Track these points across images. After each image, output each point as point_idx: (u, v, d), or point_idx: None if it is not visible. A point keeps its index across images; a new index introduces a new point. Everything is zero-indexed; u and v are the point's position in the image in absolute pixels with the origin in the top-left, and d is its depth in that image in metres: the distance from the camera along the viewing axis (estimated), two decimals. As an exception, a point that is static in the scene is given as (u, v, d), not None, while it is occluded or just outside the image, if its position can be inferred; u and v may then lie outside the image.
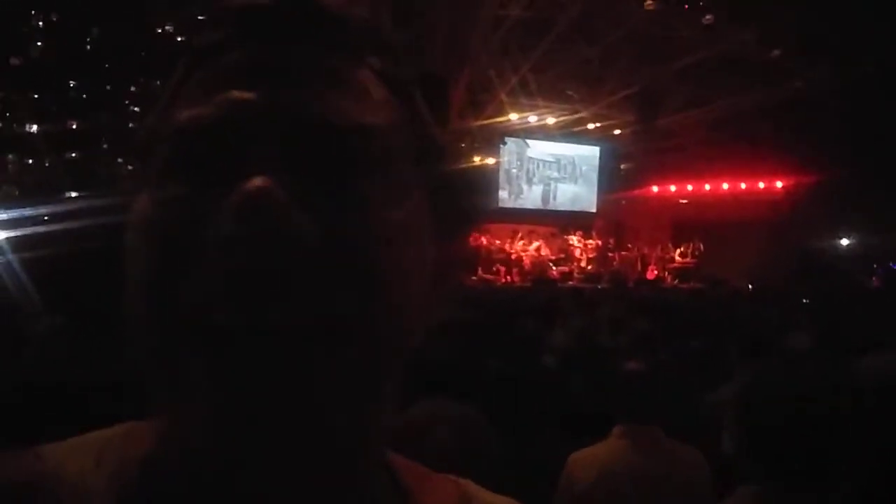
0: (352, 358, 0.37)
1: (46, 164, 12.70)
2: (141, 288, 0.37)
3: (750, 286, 11.06)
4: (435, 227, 0.44)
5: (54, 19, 12.90)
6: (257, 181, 0.35)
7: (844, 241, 16.62)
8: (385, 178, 0.39)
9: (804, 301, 7.64)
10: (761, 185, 15.39)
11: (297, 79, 0.38)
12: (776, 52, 11.53)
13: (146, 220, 0.38)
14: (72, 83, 13.02)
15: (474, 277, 11.89)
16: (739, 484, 1.74)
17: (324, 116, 0.38)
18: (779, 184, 15.23)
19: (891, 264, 17.48)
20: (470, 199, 0.49)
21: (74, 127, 12.54)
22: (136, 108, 12.61)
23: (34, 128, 12.73)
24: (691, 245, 14.83)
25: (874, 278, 13.21)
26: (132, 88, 12.84)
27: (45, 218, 6.78)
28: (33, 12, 12.79)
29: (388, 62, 0.43)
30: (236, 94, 0.38)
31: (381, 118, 0.40)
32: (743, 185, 15.52)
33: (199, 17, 0.43)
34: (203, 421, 0.36)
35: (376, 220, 0.38)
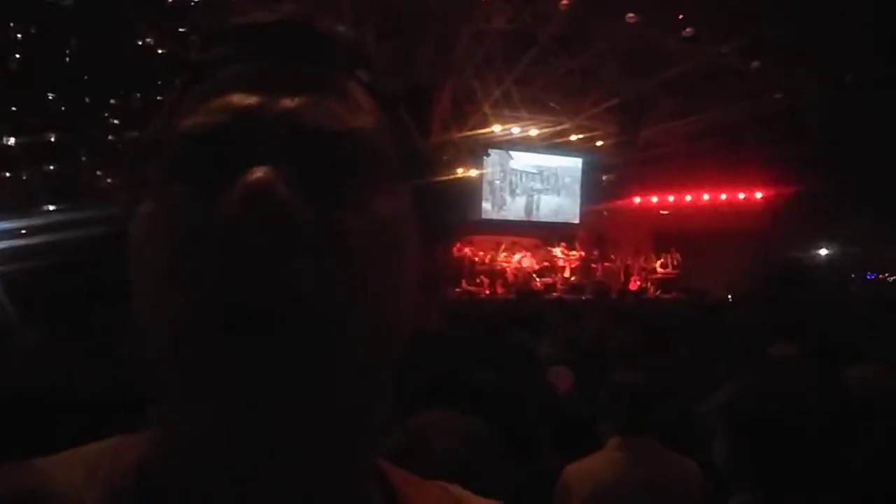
0: (343, 351, 0.38)
1: (24, 177, 12.54)
2: (150, 285, 0.39)
3: (730, 297, 11.16)
4: (420, 236, 0.46)
5: (32, 31, 12.79)
6: (260, 171, 0.37)
7: (823, 252, 16.85)
8: (375, 180, 0.42)
9: (786, 311, 7.70)
10: (741, 195, 15.56)
11: (292, 88, 0.42)
12: (756, 64, 11.68)
13: (153, 220, 0.41)
14: (50, 96, 12.90)
15: (458, 289, 11.89)
16: (734, 494, 1.75)
17: (318, 120, 0.41)
18: (758, 195, 15.41)
19: (868, 274, 17.75)
20: (452, 210, 0.51)
21: (53, 139, 12.42)
22: (115, 121, 12.52)
23: (11, 140, 12.58)
24: (670, 256, 14.94)
25: (852, 288, 13.40)
26: (111, 101, 12.75)
27: (23, 231, 6.70)
28: (11, 24, 12.67)
29: (375, 76, 0.46)
30: (237, 100, 0.41)
31: (366, 122, 0.43)
32: (723, 196, 15.68)
33: (199, 35, 0.44)
34: (207, 416, 0.37)
35: (367, 218, 0.40)
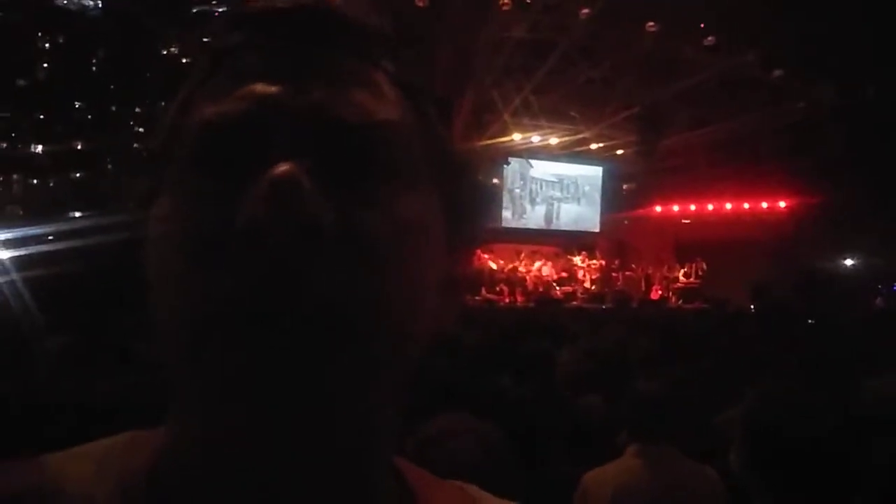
0: (362, 353, 0.37)
1: (51, 184, 12.75)
2: (169, 284, 0.38)
3: (753, 307, 11.02)
4: (446, 236, 0.44)
5: (60, 41, 13.02)
6: (285, 167, 0.36)
7: (848, 262, 16.60)
8: (400, 175, 0.40)
9: (809, 322, 7.60)
10: (764, 205, 15.39)
11: (315, 77, 0.40)
12: (778, 73, 11.58)
13: (171, 215, 0.39)
14: (77, 104, 13.11)
15: (478, 297, 11.87)
16: (751, 502, 1.74)
17: (344, 112, 0.39)
18: (782, 204, 15.23)
19: (894, 286, 17.44)
20: (479, 214, 0.49)
21: (79, 147, 12.61)
22: (140, 129, 12.69)
23: (39, 148, 12.80)
24: (694, 265, 14.79)
25: (879, 299, 13.18)
26: (137, 109, 12.93)
27: (50, 237, 6.80)
28: (39, 34, 12.92)
29: (402, 67, 0.44)
30: (259, 89, 0.39)
31: (394, 115, 0.41)
32: (746, 206, 15.53)
33: (219, 20, 0.44)
34: (226, 419, 0.36)
35: (391, 215, 0.39)
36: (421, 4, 9.36)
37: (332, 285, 0.36)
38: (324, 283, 0.36)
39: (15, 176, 12.89)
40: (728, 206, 15.64)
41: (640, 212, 16.17)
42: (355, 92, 0.40)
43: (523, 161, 15.21)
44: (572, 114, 13.97)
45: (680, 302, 14.21)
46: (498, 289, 13.37)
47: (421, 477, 0.50)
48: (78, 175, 12.68)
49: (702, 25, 11.09)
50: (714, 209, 15.78)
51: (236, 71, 0.40)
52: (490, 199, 0.51)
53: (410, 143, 0.42)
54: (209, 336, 0.36)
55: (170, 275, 0.38)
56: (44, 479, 0.41)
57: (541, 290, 13.52)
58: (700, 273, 14.67)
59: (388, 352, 0.39)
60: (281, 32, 0.41)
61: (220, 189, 0.37)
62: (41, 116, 12.95)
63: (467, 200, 0.47)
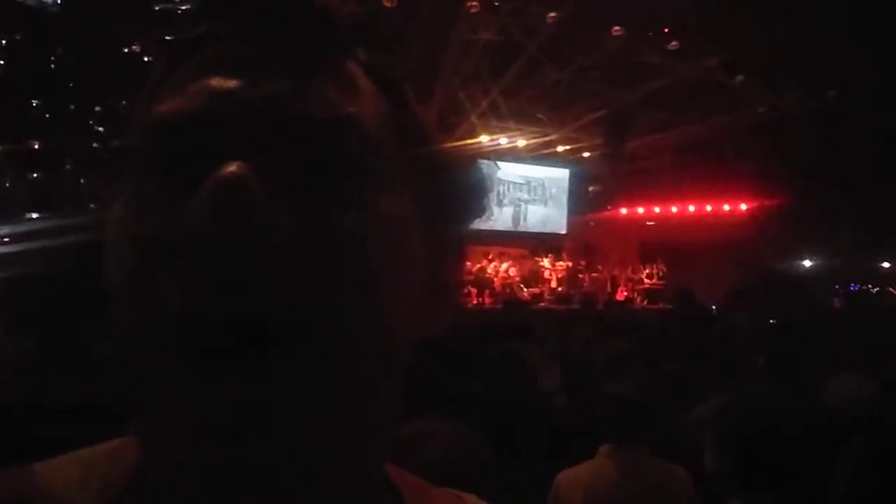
0: (336, 362, 0.35)
1: (7, 184, 12.43)
2: (122, 289, 0.35)
3: (714, 307, 11.21)
4: (426, 230, 0.42)
5: (17, 37, 12.71)
6: (231, 168, 0.33)
7: (807, 263, 17.00)
8: (370, 172, 0.37)
9: (770, 322, 7.75)
10: (726, 207, 15.70)
11: (278, 69, 0.37)
12: (740, 78, 11.82)
13: (124, 217, 0.37)
14: (34, 102, 12.81)
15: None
16: (723, 501, 1.76)
17: (309, 106, 0.36)
18: (743, 206, 15.55)
19: (852, 286, 17.92)
20: (463, 210, 0.46)
21: (37, 147, 12.32)
22: (100, 128, 12.45)
23: (-5, 147, 12.48)
24: (656, 266, 15.02)
25: (836, 299, 13.51)
26: (96, 108, 12.68)
27: (6, 238, 6.64)
28: (-4, 31, 12.60)
29: (376, 56, 0.42)
30: (214, 83, 0.36)
31: (365, 109, 0.38)
32: (708, 208, 15.82)
33: (183, 13, 0.41)
34: (186, 431, 0.33)
35: (361, 214, 0.36)
36: (389, 4, 9.33)
37: (285, 289, 0.33)
38: (274, 288, 0.33)
39: (-30, 176, 12.54)
40: (691, 208, 15.91)
41: (606, 214, 16.35)
42: (322, 84, 0.37)
43: (490, 163, 15.24)
44: (539, 116, 14.08)
45: (645, 302, 14.40)
46: (466, 290, 13.38)
47: (414, 485, 0.48)
48: (35, 175, 12.40)
49: (666, 31, 11.27)
50: (678, 211, 16.04)
51: (196, 64, 0.38)
52: (477, 197, 0.48)
53: (383, 138, 0.39)
54: (153, 356, 0.34)
55: (123, 280, 0.35)
56: (30, 488, 0.40)
57: (508, 291, 13.57)
58: (661, 274, 14.89)
59: (362, 357, 0.36)
60: (246, 22, 0.38)
61: (171, 191, 0.35)
62: (-3, 115, 12.63)
63: (450, 199, 0.45)
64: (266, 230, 0.33)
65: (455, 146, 0.48)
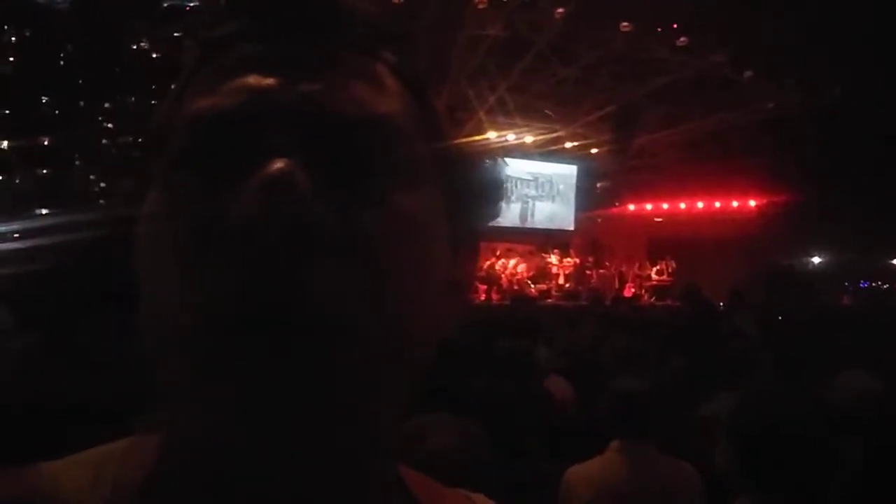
0: (360, 357, 0.35)
1: (17, 181, 12.51)
2: (158, 284, 0.36)
3: (722, 304, 11.17)
4: (450, 233, 0.42)
5: (27, 34, 12.78)
6: (279, 163, 0.34)
7: (816, 260, 16.92)
8: (401, 171, 0.38)
9: (779, 318, 7.72)
10: (735, 203, 15.63)
11: (311, 69, 0.38)
12: (749, 74, 11.76)
13: (160, 212, 0.37)
14: (44, 99, 12.88)
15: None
16: (732, 498, 1.76)
17: (339, 105, 0.37)
18: (752, 203, 15.48)
19: (861, 283, 17.83)
20: (483, 211, 0.48)
21: (47, 143, 12.39)
22: (109, 125, 12.52)
23: (5, 144, 12.55)
24: (665, 263, 14.97)
25: (845, 297, 13.46)
26: (106, 105, 12.74)
27: (16, 235, 6.68)
28: (6, 27, 12.66)
29: (403, 58, 0.42)
30: (253, 81, 0.37)
31: (395, 108, 0.39)
32: (717, 204, 15.75)
33: (210, 9, 0.42)
34: (216, 421, 0.34)
35: (391, 213, 0.37)
36: (396, 1, 9.32)
37: (328, 287, 0.34)
38: (318, 285, 0.34)
39: (-21, 172, 12.62)
40: (700, 204, 15.86)
41: (614, 210, 16.33)
42: (354, 85, 0.38)
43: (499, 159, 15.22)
44: (547, 112, 14.06)
45: (653, 299, 14.37)
46: (476, 287, 13.38)
47: (425, 485, 0.48)
48: (45, 171, 12.46)
49: (674, 26, 11.21)
50: (686, 208, 15.99)
51: (230, 62, 0.39)
52: (496, 194, 0.49)
53: (412, 138, 0.40)
54: (199, 341, 0.34)
55: (159, 278, 0.36)
56: (40, 488, 0.40)
57: (516, 287, 13.57)
58: (671, 271, 14.84)
59: (388, 355, 0.37)
60: (276, 22, 0.39)
61: (210, 185, 0.36)
62: (7, 111, 12.69)
63: (471, 197, 0.46)
64: (310, 226, 0.34)
65: (470, 143, 0.48)
